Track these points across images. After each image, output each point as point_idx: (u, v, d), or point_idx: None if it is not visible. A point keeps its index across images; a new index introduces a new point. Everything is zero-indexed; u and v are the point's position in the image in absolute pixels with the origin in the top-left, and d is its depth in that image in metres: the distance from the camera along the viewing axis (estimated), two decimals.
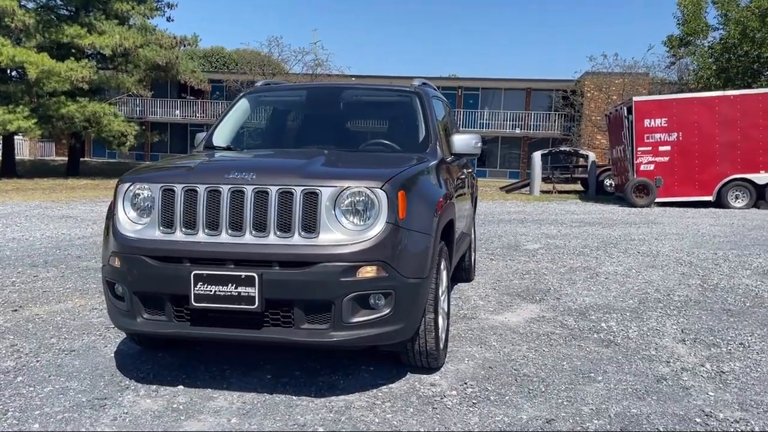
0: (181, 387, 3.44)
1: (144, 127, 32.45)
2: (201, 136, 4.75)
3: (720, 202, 15.67)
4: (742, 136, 15.51)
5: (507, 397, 3.35)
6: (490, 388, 3.47)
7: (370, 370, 3.73)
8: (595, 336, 4.51)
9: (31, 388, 3.39)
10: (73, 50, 24.92)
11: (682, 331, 4.64)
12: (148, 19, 28.91)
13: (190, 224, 3.22)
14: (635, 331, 4.64)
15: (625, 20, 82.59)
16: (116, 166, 34.42)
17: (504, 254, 8.23)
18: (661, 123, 15.87)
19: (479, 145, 4.46)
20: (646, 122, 15.96)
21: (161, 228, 3.26)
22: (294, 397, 3.32)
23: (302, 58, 33.80)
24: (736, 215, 14.11)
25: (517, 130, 39.78)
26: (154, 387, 3.43)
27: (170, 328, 3.26)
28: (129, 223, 3.37)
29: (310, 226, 3.13)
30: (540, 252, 8.48)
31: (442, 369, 3.75)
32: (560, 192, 22.15)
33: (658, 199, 15.96)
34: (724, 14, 25.83)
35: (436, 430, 2.95)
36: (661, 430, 2.97)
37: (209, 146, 4.49)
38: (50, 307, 5.16)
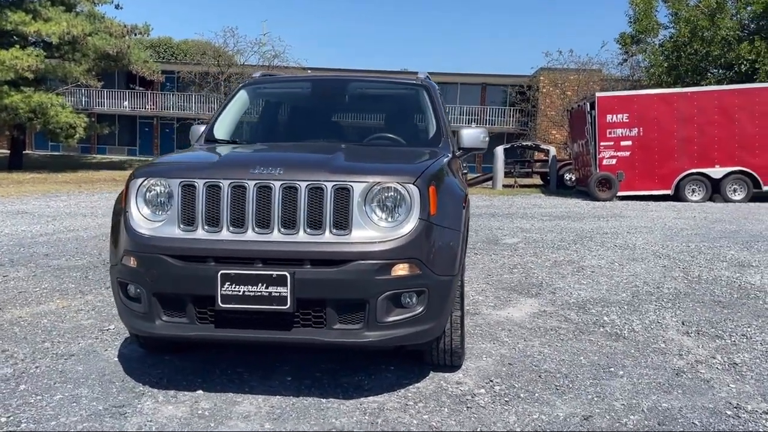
0: (200, 392, 3.28)
1: (93, 119, 31.36)
2: (198, 128, 4.55)
3: (678, 196, 16.15)
4: (698, 132, 16.02)
5: (537, 395, 3.32)
6: (516, 386, 3.44)
7: (391, 369, 3.65)
8: (602, 330, 4.54)
9: (39, 397, 3.18)
10: (17, 38, 23.85)
11: (683, 324, 4.72)
12: (96, 6, 27.91)
13: (213, 221, 3.07)
14: (638, 324, 4.69)
15: (580, 17, 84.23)
16: (61, 159, 33.18)
17: (486, 248, 8.25)
18: (622, 118, 16.24)
19: (486, 139, 4.41)
20: (609, 118, 16.31)
21: (181, 226, 3.09)
22: (322, 400, 3.21)
23: (258, 49, 33.24)
24: (695, 208, 14.56)
25: (473, 125, 40.08)
26: (171, 392, 3.27)
27: (193, 331, 3.10)
28: (143, 220, 3.19)
29: (342, 222, 3.02)
30: (520, 246, 8.54)
31: (463, 367, 3.70)
32: (521, 186, 22.45)
33: (620, 193, 16.34)
34: (675, 13, 26.60)
35: (478, 430, 2.89)
36: (698, 424, 2.99)
37: (211, 139, 4.30)
38: (31, 308, 4.88)
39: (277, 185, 3.03)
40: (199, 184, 3.08)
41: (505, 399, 3.25)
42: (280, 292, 2.94)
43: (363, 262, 2.96)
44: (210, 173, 3.11)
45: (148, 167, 3.33)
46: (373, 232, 3.03)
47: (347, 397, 3.24)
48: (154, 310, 3.11)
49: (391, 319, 3.04)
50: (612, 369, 3.71)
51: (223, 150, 3.83)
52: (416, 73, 4.77)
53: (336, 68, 39.38)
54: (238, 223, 3.05)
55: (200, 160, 3.39)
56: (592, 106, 16.67)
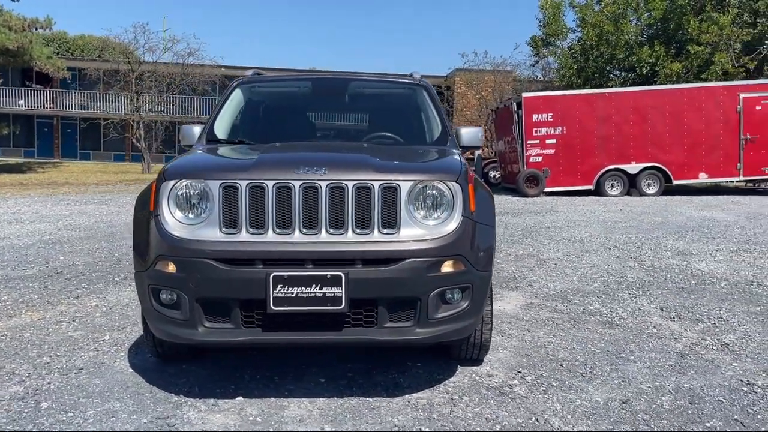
0: (240, 398, 3.20)
1: None
2: (192, 129, 4.36)
3: (598, 191, 17.06)
4: (616, 131, 16.99)
5: (567, 382, 3.46)
6: (545, 375, 3.57)
7: (419, 365, 3.69)
8: (593, 318, 4.77)
9: (70, 414, 3.00)
10: None
11: (662, 310, 5.04)
12: None
13: (257, 223, 3.00)
14: (623, 311, 4.97)
15: (495, 20, 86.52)
16: None
17: None
18: (547, 118, 16.96)
19: (482, 137, 4.53)
20: (534, 117, 16.99)
21: (224, 228, 3.00)
22: (369, 399, 3.21)
23: (172, 46, 32.03)
24: (617, 202, 15.43)
25: None
26: (210, 401, 3.16)
27: (239, 336, 3.01)
28: (177, 223, 3.07)
29: (390, 221, 3.03)
30: None
31: (485, 360, 3.79)
32: None
33: (546, 189, 17.05)
34: (582, 18, 28.00)
35: (533, 419, 2.99)
36: (724, 401, 3.23)
37: (213, 140, 4.17)
38: (4, 322, 4.55)
39: (323, 185, 3.00)
40: (242, 185, 3.00)
41: (542, 388, 3.37)
42: (334, 293, 2.92)
43: (415, 260, 2.99)
44: (253, 174, 3.03)
45: (179, 168, 3.20)
46: (419, 230, 3.06)
47: (391, 395, 3.26)
48: (196, 317, 3.01)
49: (440, 315, 3.08)
50: (623, 355, 3.92)
51: (245, 150, 3.73)
52: (411, 74, 4.82)
53: (250, 66, 38.72)
54: (284, 224, 3.00)
55: (234, 160, 3.28)
56: (519, 106, 17.31)
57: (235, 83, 4.56)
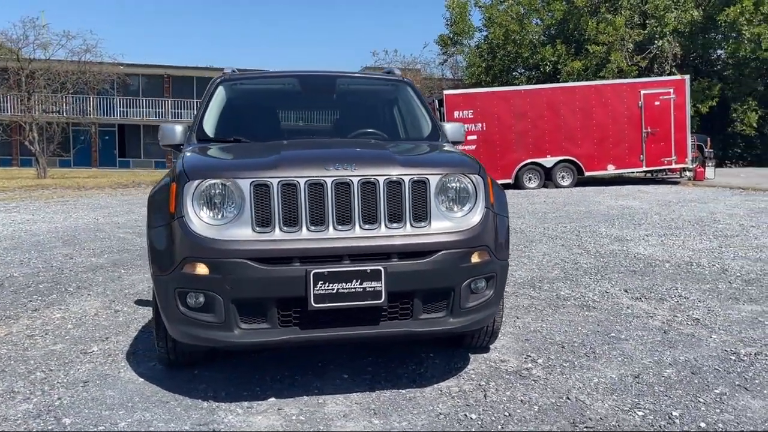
0: (272, 399, 3.16)
1: None
2: (173, 127, 4.19)
3: (517, 184, 17.78)
4: (532, 126, 17.77)
5: (576, 363, 3.66)
6: (552, 357, 3.75)
7: (431, 356, 3.77)
8: (569, 303, 5.03)
9: (102, 428, 2.86)
10: None
11: (626, 291, 5.39)
12: None
13: (291, 221, 2.97)
14: (593, 295, 5.27)
15: (406, 18, 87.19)
16: None
17: None
18: (468, 114, 17.47)
19: (464, 132, 4.67)
20: (456, 114, 17.45)
21: (257, 227, 2.95)
22: (401, 390, 3.26)
23: (67, 42, 30.20)
24: (537, 194, 16.15)
25: (301, 123, 40.21)
26: (244, 404, 3.10)
27: (276, 336, 2.98)
28: (204, 224, 2.98)
29: (421, 215, 3.10)
30: None
31: (490, 347, 3.93)
32: None
33: None
34: (489, 18, 29.04)
35: (563, 398, 3.15)
36: (720, 369, 3.52)
37: (204, 138, 4.04)
38: None
39: (355, 181, 3.02)
40: (274, 183, 2.97)
41: (558, 369, 3.54)
42: (374, 287, 2.95)
43: (448, 251, 3.07)
44: (284, 172, 3.00)
45: (202, 168, 3.11)
46: (447, 222, 3.14)
47: (420, 386, 3.32)
48: (232, 318, 2.94)
49: (470, 304, 3.18)
50: (613, 334, 4.18)
51: (253, 148, 3.65)
52: (389, 70, 4.88)
53: (160, 64, 37.22)
54: (318, 221, 2.99)
55: (256, 158, 3.22)
56: (441, 103, 17.73)
57: (218, 81, 4.43)
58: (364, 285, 2.94)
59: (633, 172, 19.67)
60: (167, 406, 3.08)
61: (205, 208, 3.02)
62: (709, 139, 22.36)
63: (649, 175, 20.81)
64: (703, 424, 2.82)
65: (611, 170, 18.31)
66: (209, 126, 4.15)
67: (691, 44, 27.03)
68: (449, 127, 4.53)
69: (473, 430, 2.81)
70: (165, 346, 3.41)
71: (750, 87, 26.98)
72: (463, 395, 3.19)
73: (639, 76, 25.27)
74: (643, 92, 17.83)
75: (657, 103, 17.83)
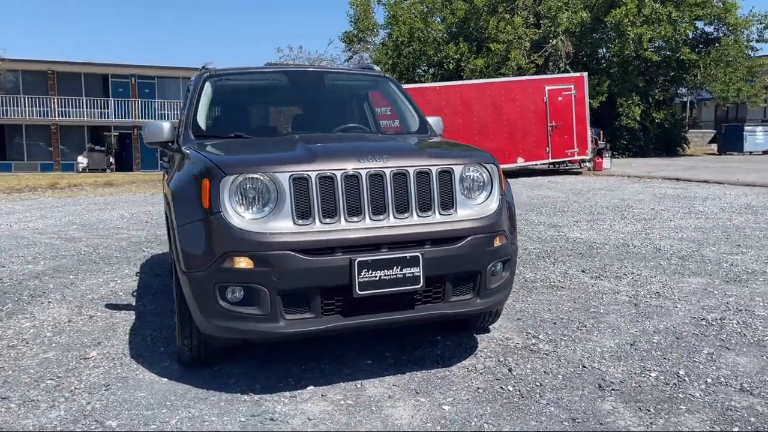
0: (311, 387, 3.25)
1: None
2: (160, 124, 4.12)
3: None
4: (447, 122, 18.04)
5: (574, 336, 3.97)
6: (550, 332, 4.05)
7: (439, 339, 3.96)
8: (539, 284, 5.38)
9: (154, 426, 2.84)
10: None
11: (584, 272, 5.82)
12: None
13: (329, 212, 3.06)
14: (556, 275, 5.66)
15: (311, 15, 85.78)
16: None
17: None
18: (385, 111, 17.72)
19: (442, 126, 4.89)
20: (378, 111, 17.66)
21: (297, 220, 3.01)
22: (430, 371, 3.43)
23: None
24: None
25: None
26: (286, 393, 3.16)
27: (320, 324, 3.06)
28: (242, 218, 3.02)
29: (447, 203, 3.27)
30: None
31: (490, 327, 4.17)
32: None
33: None
34: (393, 15, 29.51)
35: (580, 367, 3.43)
36: (698, 333, 3.95)
37: (201, 135, 4.00)
38: None
39: (387, 172, 3.15)
40: (312, 176, 3.04)
41: (562, 342, 3.83)
42: (413, 273, 3.09)
43: (475, 236, 3.28)
44: (320, 165, 3.08)
45: (236, 162, 3.12)
46: (469, 210, 3.35)
47: (445, 366, 3.51)
48: (277, 310, 2.98)
49: (492, 286, 3.40)
50: (593, 310, 4.55)
51: (270, 142, 3.67)
52: (368, 66, 5.01)
53: (43, 60, 35.01)
54: (354, 211, 3.09)
55: (288, 152, 3.25)
56: None
57: (204, 76, 4.37)
58: (404, 271, 3.08)
59: (538, 164, 20.76)
60: (208, 402, 3.07)
61: (241, 202, 3.04)
62: (601, 132, 23.98)
63: (552, 166, 22.04)
64: (708, 380, 3.19)
65: (521, 163, 19.25)
66: (203, 122, 4.11)
67: (581, 43, 28.80)
68: (432, 121, 4.73)
69: (515, 399, 3.02)
70: (189, 344, 3.38)
71: (633, 83, 29.08)
72: (489, 371, 3.40)
73: (536, 73, 26.61)
74: (547, 88, 18.87)
75: (560, 98, 18.93)
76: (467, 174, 3.38)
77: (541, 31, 28.08)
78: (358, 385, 3.24)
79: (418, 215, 3.19)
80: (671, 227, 8.33)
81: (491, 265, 3.35)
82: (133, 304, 5.14)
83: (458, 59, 27.96)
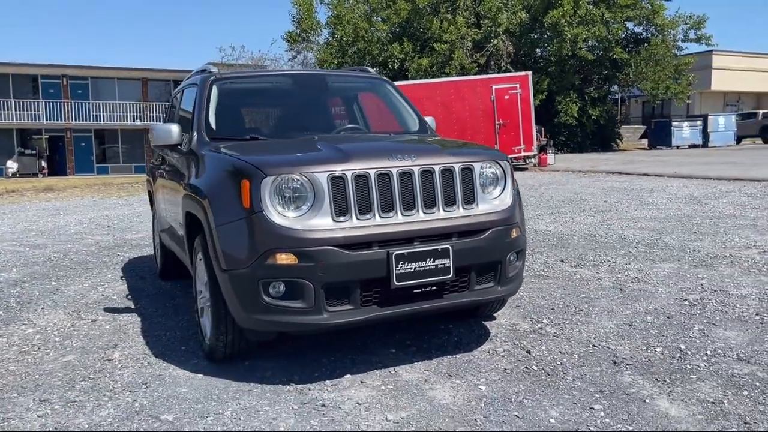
0: (348, 376, 3.41)
1: None
2: (168, 127, 4.21)
3: None
4: None
5: (575, 319, 4.27)
6: (551, 317, 4.33)
7: (450, 327, 4.19)
8: (525, 274, 5.67)
9: (211, 418, 2.95)
10: None
11: (563, 261, 6.17)
12: None
13: (364, 209, 3.23)
14: (538, 266, 5.98)
15: (253, 15, 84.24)
16: None
17: None
18: (339, 111, 17.87)
19: (435, 126, 5.12)
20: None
21: (336, 217, 3.17)
22: (455, 356, 3.65)
23: None
24: None
25: (138, 122, 38.24)
26: (327, 383, 3.32)
27: (358, 315, 3.23)
28: (284, 216, 3.16)
29: (469, 198, 3.50)
30: None
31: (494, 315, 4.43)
32: None
33: None
34: (337, 15, 29.63)
35: (590, 346, 3.72)
36: (685, 313, 4.31)
37: (216, 137, 4.08)
38: None
39: (416, 170, 3.35)
40: (348, 175, 3.20)
41: (566, 326, 4.12)
42: (444, 264, 3.31)
43: (497, 229, 3.52)
44: (355, 164, 3.25)
45: (275, 163, 3.25)
46: (488, 204, 3.59)
47: (467, 351, 3.73)
48: (321, 303, 3.14)
49: (510, 274, 3.65)
50: (583, 296, 4.87)
51: (295, 143, 3.79)
52: (363, 68, 5.18)
53: None
54: (387, 208, 3.28)
55: (326, 153, 3.40)
56: None
57: (211, 80, 4.44)
58: (437, 262, 3.28)
59: None
60: (254, 394, 3.19)
61: (283, 201, 3.17)
62: (543, 128, 24.85)
63: None
64: (708, 352, 3.54)
65: None
66: (216, 124, 4.19)
67: (521, 43, 29.72)
68: (428, 121, 4.95)
69: (543, 377, 3.28)
70: (224, 340, 3.48)
71: (570, 82, 30.24)
72: (510, 354, 3.65)
73: (478, 72, 27.31)
74: (494, 87, 19.45)
75: (506, 97, 19.56)
76: (486, 171, 3.61)
77: (482, 31, 28.81)
78: (392, 372, 3.43)
79: (443, 210, 3.40)
80: (629, 218, 8.84)
81: (509, 255, 3.60)
82: (132, 307, 5.14)
83: (403, 59, 28.37)
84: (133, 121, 38.23)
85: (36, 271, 6.80)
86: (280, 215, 3.15)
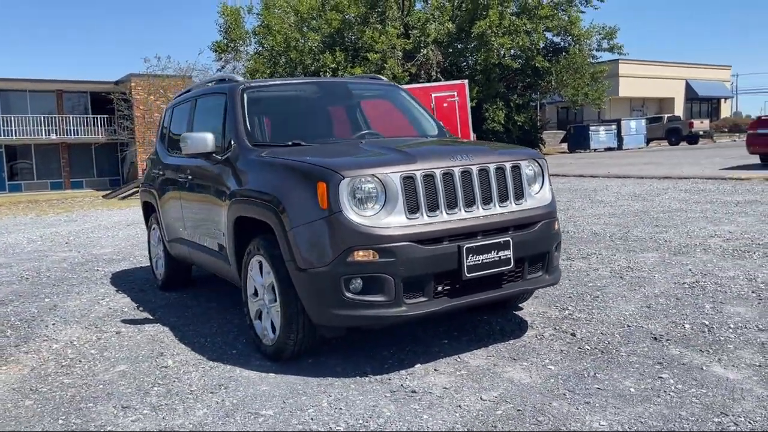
0: (419, 365, 3.59)
1: None
2: (202, 136, 4.27)
3: None
4: None
5: (597, 305, 4.61)
6: (573, 305, 4.67)
7: (485, 318, 4.44)
8: None
9: (314, 409, 3.07)
10: None
11: None
12: None
13: (432, 207, 3.44)
14: None
15: (178, 26, 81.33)
16: None
17: None
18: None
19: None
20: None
21: (409, 215, 3.37)
22: (508, 342, 3.91)
23: None
24: None
25: (53, 136, 36.52)
26: (402, 372, 3.51)
27: (432, 307, 3.43)
28: (361, 215, 3.33)
29: (519, 194, 3.78)
30: None
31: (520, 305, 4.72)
32: None
33: None
34: (267, 25, 29.45)
35: (624, 327, 4.06)
36: (690, 294, 4.75)
37: (258, 144, 4.18)
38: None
39: (474, 169, 3.59)
40: (417, 175, 3.41)
41: (595, 311, 4.46)
42: (506, 255, 3.56)
43: (545, 221, 3.82)
44: (423, 165, 3.46)
45: (352, 166, 3.40)
46: (533, 200, 3.88)
47: (516, 337, 3.99)
48: (400, 296, 3.31)
49: (554, 264, 3.95)
50: (590, 285, 5.25)
51: (342, 147, 4.00)
52: (375, 76, 5.39)
53: None
54: (451, 205, 3.50)
55: (392, 156, 3.57)
56: None
57: (241, 89, 4.50)
58: (500, 254, 3.54)
59: None
60: (338, 386, 3.32)
61: (359, 201, 3.33)
62: (474, 135, 25.70)
63: None
64: (731, 325, 3.95)
65: None
66: (256, 131, 4.28)
67: (449, 52, 30.56)
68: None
69: (600, 355, 3.58)
70: (295, 338, 3.58)
71: (496, 89, 31.34)
72: (557, 337, 3.94)
73: (410, 81, 27.86)
74: (434, 95, 19.97)
75: (445, 104, 20.12)
76: (529, 169, 3.90)
77: (411, 41, 29.41)
78: (458, 359, 3.64)
79: (499, 205, 3.66)
80: (590, 215, 9.41)
81: (554, 246, 3.90)
82: (151, 318, 5.10)
83: (335, 68, 28.49)
84: (48, 135, 36.44)
85: (17, 290, 6.54)
86: (357, 214, 3.30)
